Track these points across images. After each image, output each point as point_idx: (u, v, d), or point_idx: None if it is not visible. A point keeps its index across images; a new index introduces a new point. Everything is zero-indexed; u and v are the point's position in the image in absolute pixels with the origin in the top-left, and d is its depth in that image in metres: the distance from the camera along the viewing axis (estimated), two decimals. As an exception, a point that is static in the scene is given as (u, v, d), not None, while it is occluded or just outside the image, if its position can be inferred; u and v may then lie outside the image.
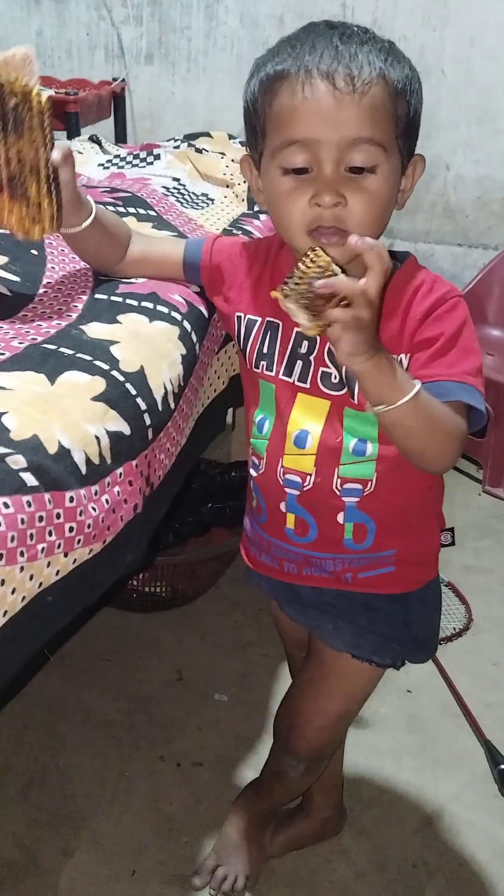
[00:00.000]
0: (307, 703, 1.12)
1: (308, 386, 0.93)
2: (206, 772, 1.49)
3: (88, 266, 1.15)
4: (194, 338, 1.10)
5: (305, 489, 0.95)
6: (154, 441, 0.98)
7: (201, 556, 1.82)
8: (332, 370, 0.92)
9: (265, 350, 0.96)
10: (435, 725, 1.62)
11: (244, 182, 1.71)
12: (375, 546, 0.98)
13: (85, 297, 1.08)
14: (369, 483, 0.94)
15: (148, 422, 0.96)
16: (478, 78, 2.57)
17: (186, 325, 1.09)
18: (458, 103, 2.59)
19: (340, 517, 0.96)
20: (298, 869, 1.34)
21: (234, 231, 1.46)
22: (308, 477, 0.95)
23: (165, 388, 1.01)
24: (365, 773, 1.50)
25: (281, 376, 0.95)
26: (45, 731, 1.55)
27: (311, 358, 0.93)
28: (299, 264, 0.77)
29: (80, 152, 1.86)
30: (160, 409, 0.99)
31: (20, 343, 0.95)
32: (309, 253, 0.77)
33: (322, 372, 0.92)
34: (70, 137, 2.33)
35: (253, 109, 0.88)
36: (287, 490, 0.97)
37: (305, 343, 0.93)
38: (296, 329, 0.93)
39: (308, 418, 0.93)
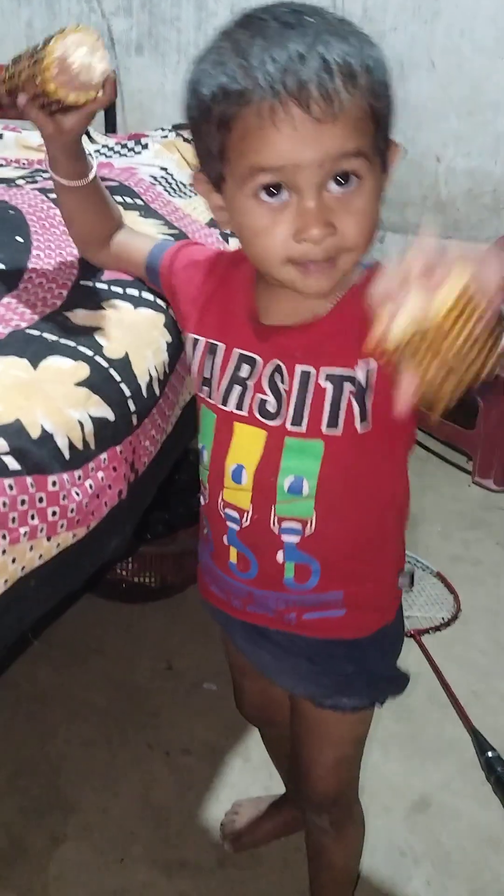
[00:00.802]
0: (303, 756, 1.07)
1: (245, 414, 0.86)
2: (194, 760, 1.50)
3: (74, 253, 1.15)
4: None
5: (244, 526, 0.90)
6: (139, 427, 0.99)
7: (191, 546, 1.81)
8: (270, 397, 0.84)
9: (206, 375, 0.89)
10: (423, 714, 1.62)
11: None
12: (321, 587, 0.90)
13: (70, 284, 1.08)
14: (308, 523, 0.86)
15: (132, 408, 0.96)
16: (468, 70, 2.56)
17: (172, 312, 1.09)
18: (448, 95, 2.59)
19: (280, 556, 0.89)
20: (286, 856, 1.35)
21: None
22: (245, 513, 0.89)
23: (150, 375, 1.01)
24: (353, 761, 1.51)
25: (220, 405, 0.88)
26: (34, 720, 1.55)
27: (250, 383, 0.85)
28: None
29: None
30: (145, 395, 0.99)
31: (4, 329, 0.95)
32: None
33: (259, 399, 0.85)
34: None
35: (204, 128, 0.75)
36: (228, 524, 0.91)
37: (246, 367, 0.86)
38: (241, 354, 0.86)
39: (244, 451, 0.87)
